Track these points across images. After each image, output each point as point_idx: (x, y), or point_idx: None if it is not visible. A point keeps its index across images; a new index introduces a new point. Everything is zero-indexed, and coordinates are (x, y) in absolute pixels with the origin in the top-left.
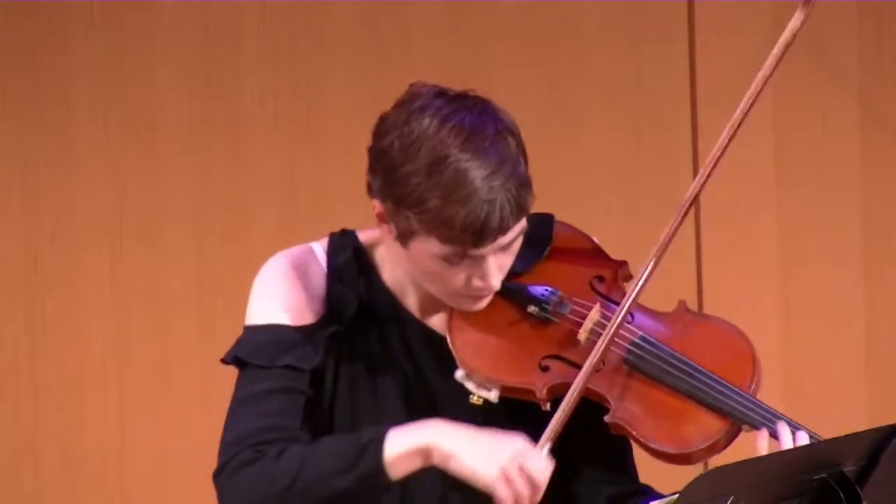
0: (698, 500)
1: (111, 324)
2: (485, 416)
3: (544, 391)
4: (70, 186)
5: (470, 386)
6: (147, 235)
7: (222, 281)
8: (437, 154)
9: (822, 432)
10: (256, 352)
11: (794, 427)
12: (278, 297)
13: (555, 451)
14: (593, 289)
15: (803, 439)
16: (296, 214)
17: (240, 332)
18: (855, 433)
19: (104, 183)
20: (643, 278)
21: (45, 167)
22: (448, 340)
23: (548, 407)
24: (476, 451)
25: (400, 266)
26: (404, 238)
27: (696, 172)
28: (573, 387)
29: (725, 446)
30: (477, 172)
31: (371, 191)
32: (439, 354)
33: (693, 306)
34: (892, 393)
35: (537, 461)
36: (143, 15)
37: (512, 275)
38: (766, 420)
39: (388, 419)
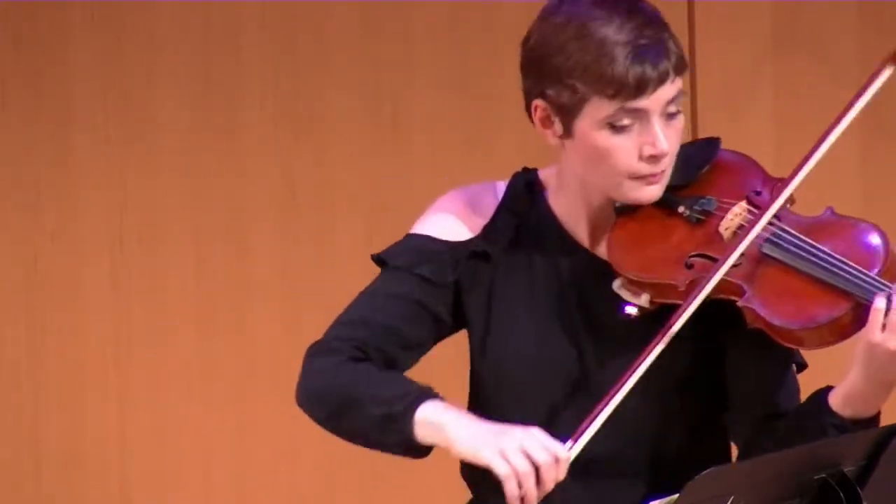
0: (698, 500)
1: (111, 324)
2: (638, 331)
3: (685, 284)
4: (70, 186)
5: (625, 295)
6: (147, 235)
7: (222, 281)
8: (583, 21)
9: None
10: (399, 255)
11: None
12: (439, 216)
13: (693, 379)
14: (748, 198)
15: None
16: (296, 214)
17: (239, 332)
18: (855, 433)
19: (104, 183)
20: (799, 175)
21: (45, 167)
22: (607, 248)
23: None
24: (475, 436)
25: (569, 187)
26: (570, 118)
27: None
28: (703, 284)
29: (853, 327)
30: (627, 25)
31: (528, 96)
32: (604, 280)
33: None
34: (891, 393)
35: (541, 447)
36: (143, 15)
37: (673, 188)
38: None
39: (547, 338)
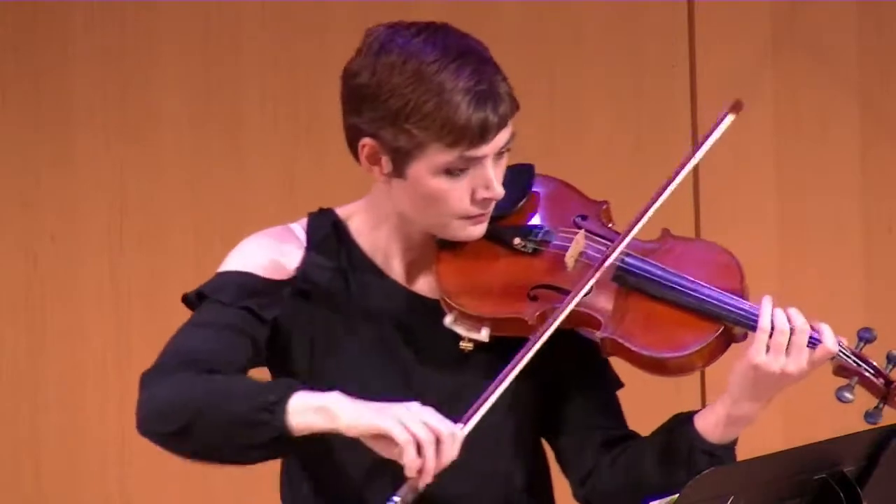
0: (698, 500)
1: (111, 324)
2: (475, 363)
3: (535, 317)
4: (70, 186)
5: (459, 330)
6: (147, 235)
7: None
8: (418, 63)
9: (821, 433)
10: (221, 289)
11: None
12: (252, 255)
13: (534, 407)
14: (576, 224)
15: (796, 317)
16: (296, 214)
17: None
18: (855, 433)
19: (104, 183)
20: (648, 210)
21: (45, 167)
22: (437, 283)
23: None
24: (372, 409)
25: (384, 224)
26: (403, 161)
27: (696, 172)
28: (561, 308)
29: (722, 350)
30: (465, 69)
31: (356, 132)
32: (426, 316)
33: None
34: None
35: (439, 418)
36: (143, 15)
37: (494, 219)
38: (754, 319)
39: (376, 379)
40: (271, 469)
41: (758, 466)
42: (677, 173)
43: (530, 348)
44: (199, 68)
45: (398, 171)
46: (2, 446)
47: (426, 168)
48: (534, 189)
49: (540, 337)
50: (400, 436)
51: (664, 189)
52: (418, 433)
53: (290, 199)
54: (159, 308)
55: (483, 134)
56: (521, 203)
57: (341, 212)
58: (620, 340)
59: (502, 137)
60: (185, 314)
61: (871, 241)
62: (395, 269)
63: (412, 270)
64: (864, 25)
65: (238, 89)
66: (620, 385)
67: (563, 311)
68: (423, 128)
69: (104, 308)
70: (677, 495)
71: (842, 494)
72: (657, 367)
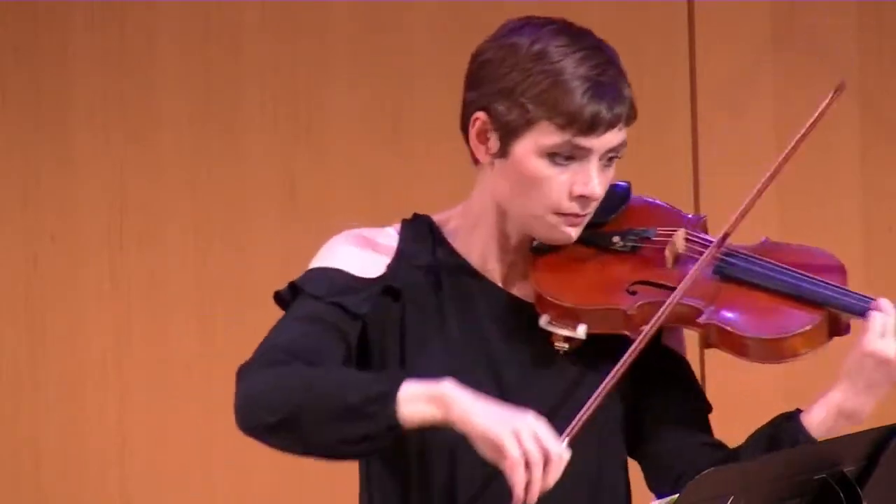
0: (698, 500)
1: (111, 324)
2: (569, 368)
3: (635, 307)
4: (70, 186)
5: (555, 329)
6: (147, 235)
7: (222, 281)
8: (545, 45)
9: None
10: (313, 283)
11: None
12: (343, 252)
13: (628, 415)
14: (686, 228)
15: None
16: (296, 214)
17: (239, 332)
18: (855, 433)
19: (104, 183)
20: (751, 199)
21: (45, 167)
22: (533, 284)
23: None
24: (490, 411)
25: (482, 223)
26: (511, 138)
27: (696, 172)
28: (664, 307)
29: (825, 338)
30: (590, 60)
31: (471, 107)
32: (521, 317)
33: None
34: (891, 393)
35: (551, 437)
36: (143, 15)
37: (591, 225)
38: (864, 304)
39: (467, 378)
40: (271, 469)
41: (758, 466)
42: (784, 159)
43: (636, 349)
44: (199, 68)
45: (504, 149)
46: (2, 446)
47: (532, 147)
48: (631, 202)
49: (645, 337)
50: (512, 450)
51: (770, 178)
52: (531, 451)
53: (290, 199)
54: (159, 308)
55: (593, 125)
56: (619, 212)
57: (437, 217)
58: (722, 325)
59: (613, 139)
60: (185, 314)
61: (871, 241)
62: (491, 272)
63: (508, 274)
64: (864, 25)
65: (238, 89)
66: (710, 408)
67: (665, 309)
68: (538, 104)
69: (104, 308)
70: (677, 495)
71: (842, 494)
72: (760, 350)
